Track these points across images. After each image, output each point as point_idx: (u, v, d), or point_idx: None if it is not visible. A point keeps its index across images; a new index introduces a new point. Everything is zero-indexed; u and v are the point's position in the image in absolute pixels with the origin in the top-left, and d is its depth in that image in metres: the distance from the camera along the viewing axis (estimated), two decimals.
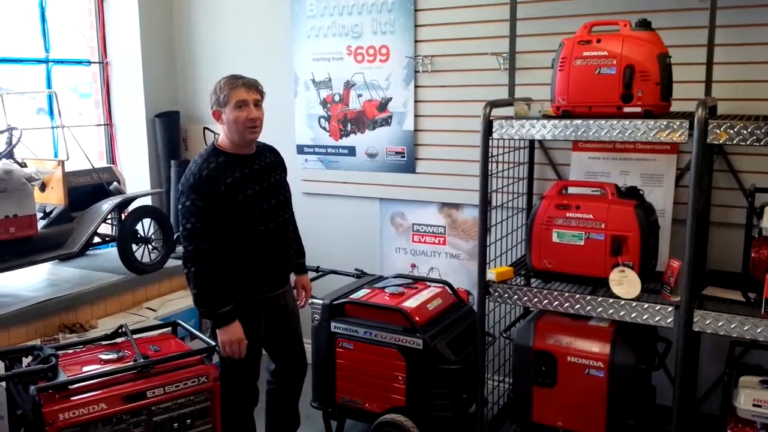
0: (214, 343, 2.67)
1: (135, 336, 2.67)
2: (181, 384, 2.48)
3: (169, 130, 4.50)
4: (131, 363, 2.47)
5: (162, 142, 4.49)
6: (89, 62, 4.57)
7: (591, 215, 2.73)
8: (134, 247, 3.82)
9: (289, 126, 4.17)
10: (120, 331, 2.74)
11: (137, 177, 4.54)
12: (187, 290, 3.91)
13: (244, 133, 2.61)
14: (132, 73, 4.48)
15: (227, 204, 2.57)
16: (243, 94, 2.59)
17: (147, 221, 3.94)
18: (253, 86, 2.65)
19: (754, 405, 2.53)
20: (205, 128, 4.53)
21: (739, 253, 2.63)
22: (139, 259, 3.83)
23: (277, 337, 2.89)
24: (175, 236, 4.07)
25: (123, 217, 3.88)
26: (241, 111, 2.58)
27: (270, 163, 2.81)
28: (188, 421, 2.50)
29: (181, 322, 2.93)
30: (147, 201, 4.26)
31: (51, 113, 4.30)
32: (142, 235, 3.90)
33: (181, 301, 3.84)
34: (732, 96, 2.93)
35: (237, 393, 2.74)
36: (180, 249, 4.05)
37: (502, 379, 3.39)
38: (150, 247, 3.93)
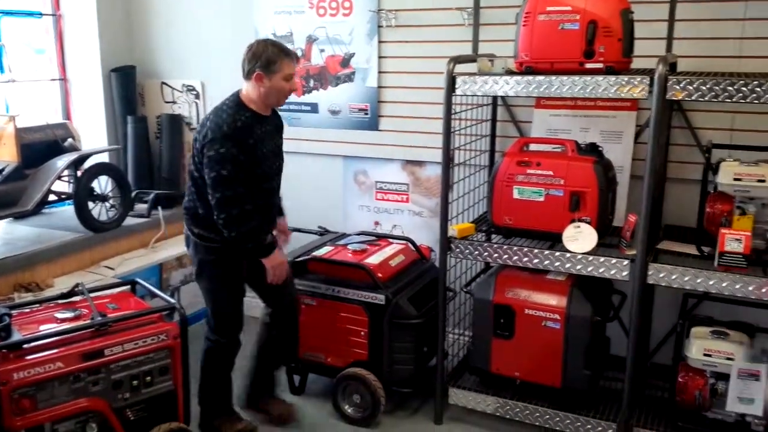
0: (174, 302, 2.65)
1: (92, 294, 2.64)
2: (139, 342, 2.46)
3: (125, 85, 4.36)
4: (88, 321, 2.43)
5: (118, 98, 4.36)
6: (41, 14, 4.38)
7: (551, 172, 2.76)
8: (91, 205, 3.74)
9: None
10: (76, 289, 2.69)
11: (93, 133, 4.40)
12: (147, 248, 3.92)
13: (281, 101, 2.78)
14: (86, 26, 4.31)
15: (252, 156, 2.68)
16: (292, 67, 2.71)
17: (104, 179, 3.85)
18: (296, 59, 2.79)
19: (704, 354, 2.62)
20: (162, 83, 4.41)
21: (695, 208, 2.68)
22: (97, 217, 3.75)
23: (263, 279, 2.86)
24: (133, 194, 3.99)
25: (79, 174, 3.78)
26: (287, 83, 2.71)
27: (277, 126, 2.92)
28: (148, 378, 2.50)
29: (140, 281, 2.89)
30: (104, 158, 4.15)
31: (0, 67, 4.13)
32: (99, 192, 3.81)
33: (141, 259, 3.78)
34: (693, 53, 2.94)
35: (223, 343, 2.87)
36: (140, 207, 4.03)
37: (462, 333, 3.44)
38: (107, 205, 3.85)
